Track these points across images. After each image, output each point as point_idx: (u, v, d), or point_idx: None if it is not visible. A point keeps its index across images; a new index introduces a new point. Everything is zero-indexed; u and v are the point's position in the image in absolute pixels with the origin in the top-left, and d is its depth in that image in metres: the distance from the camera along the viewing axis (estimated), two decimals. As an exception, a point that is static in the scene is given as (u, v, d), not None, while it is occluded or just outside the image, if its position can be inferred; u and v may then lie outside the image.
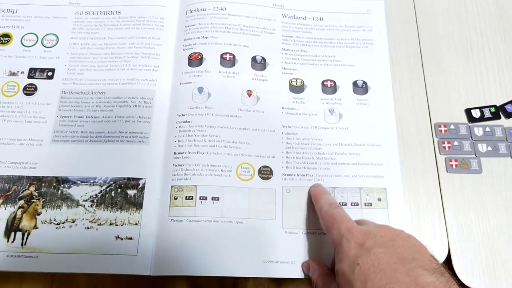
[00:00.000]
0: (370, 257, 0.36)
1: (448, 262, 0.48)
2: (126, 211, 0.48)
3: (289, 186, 0.50)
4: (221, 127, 0.51)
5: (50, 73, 0.55)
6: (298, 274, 0.47)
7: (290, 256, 0.47)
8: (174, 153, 0.50)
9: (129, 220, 0.48)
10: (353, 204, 0.49)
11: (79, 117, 0.52)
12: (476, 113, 0.53)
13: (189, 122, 0.52)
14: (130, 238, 0.47)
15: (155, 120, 0.52)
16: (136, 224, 0.48)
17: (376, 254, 0.36)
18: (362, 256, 0.36)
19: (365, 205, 0.49)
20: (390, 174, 0.51)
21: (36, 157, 0.51)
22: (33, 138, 0.51)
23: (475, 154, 0.51)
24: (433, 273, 0.34)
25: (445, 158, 0.51)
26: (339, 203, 0.49)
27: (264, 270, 0.46)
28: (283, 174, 0.50)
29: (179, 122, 0.52)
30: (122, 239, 0.47)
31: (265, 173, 0.50)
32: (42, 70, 0.55)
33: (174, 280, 1.10)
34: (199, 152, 0.50)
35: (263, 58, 0.56)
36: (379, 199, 0.49)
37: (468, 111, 0.53)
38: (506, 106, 0.53)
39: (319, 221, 0.45)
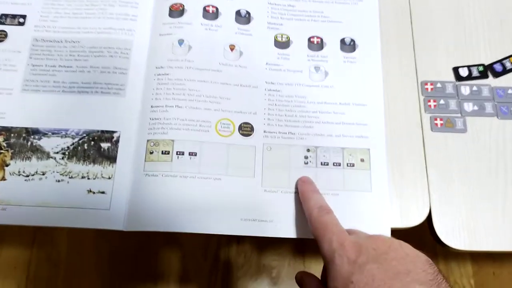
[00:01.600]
0: (363, 275, 0.34)
1: (429, 222, 0.47)
2: (99, 165, 0.46)
3: (270, 144, 0.48)
4: (201, 81, 0.49)
5: (21, 20, 0.52)
6: (276, 232, 0.45)
7: (269, 215, 0.46)
8: (151, 106, 0.48)
9: (102, 174, 0.46)
10: (335, 164, 0.48)
11: (51, 66, 0.50)
12: (463, 72, 0.51)
13: (167, 75, 0.49)
14: (103, 192, 0.45)
15: (132, 72, 0.50)
16: (109, 178, 0.46)
17: (369, 271, 0.34)
18: (355, 274, 0.34)
19: (348, 166, 0.48)
20: (374, 135, 0.49)
21: (5, 106, 0.48)
22: (2, 87, 0.49)
23: (460, 113, 0.50)
24: (430, 287, 0.33)
25: (430, 117, 0.50)
26: (321, 162, 0.48)
27: (241, 228, 0.45)
28: (264, 132, 0.48)
29: (158, 75, 0.49)
30: (94, 193, 0.45)
31: (246, 129, 0.48)
32: (13, 16, 0.52)
33: (156, 248, 1.09)
34: (177, 106, 0.48)
35: (248, 12, 0.53)
36: (362, 160, 0.48)
37: (455, 70, 0.52)
38: (494, 65, 0.51)
39: (307, 224, 0.42)
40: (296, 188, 0.46)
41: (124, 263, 1.08)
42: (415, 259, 0.35)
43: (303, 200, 0.44)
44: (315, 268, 1.08)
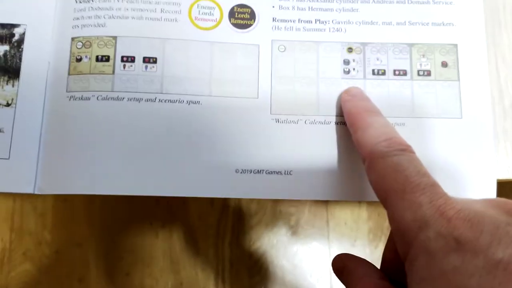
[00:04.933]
0: (497, 279, 0.17)
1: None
2: (-9, 83, 0.27)
3: (284, 41, 0.28)
4: None
5: None
6: (298, 192, 0.26)
7: (285, 163, 0.26)
8: (78, -20, 0.28)
9: (-5, 98, 0.27)
10: (397, 72, 0.28)
11: None
12: None
13: None
14: (-3, 130, 0.26)
15: None
16: (7, 104, 0.27)
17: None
18: (476, 276, 0.17)
19: (419, 75, 0.28)
20: (466, 20, 0.28)
21: None
22: None
23: None
24: None
25: None
26: (373, 71, 0.28)
27: (237, 185, 0.26)
28: (273, 20, 0.28)
29: None
30: (-18, 131, 0.26)
31: (242, 16, 0.28)
32: None
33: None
34: (122, -24, 0.28)
35: None
36: (445, 64, 0.28)
37: None
38: None
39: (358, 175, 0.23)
40: (339, 110, 0.27)
41: (118, 209, 0.93)
42: None
43: (355, 129, 0.25)
44: (340, 215, 0.92)
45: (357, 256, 0.24)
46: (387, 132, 0.23)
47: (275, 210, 0.93)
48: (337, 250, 0.88)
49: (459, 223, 0.18)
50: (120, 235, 0.93)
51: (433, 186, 0.20)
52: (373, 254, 0.85)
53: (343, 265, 0.24)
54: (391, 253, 0.23)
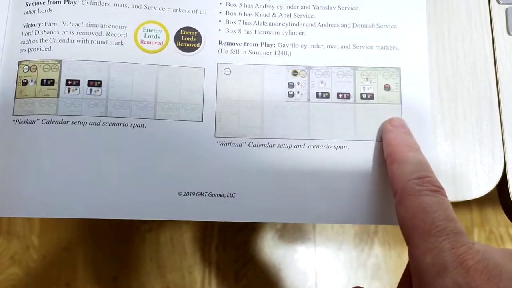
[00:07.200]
0: None
1: (500, 187, 0.28)
2: None
3: (230, 64, 0.28)
4: (110, -45, 0.29)
5: None
6: (242, 214, 0.27)
7: (228, 185, 0.27)
8: (26, 4, 0.28)
9: None
10: (341, 95, 0.28)
11: None
12: None
13: None
14: None
15: None
16: (-45, 128, 0.27)
17: None
18: None
19: (362, 98, 0.28)
20: (409, 44, 0.29)
21: None
22: None
23: None
24: None
25: (507, 10, 0.29)
26: (317, 94, 0.28)
27: (179, 208, 0.26)
28: (220, 43, 0.28)
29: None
30: None
31: (188, 39, 0.28)
32: None
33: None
34: (68, 1, 0.28)
35: None
36: (387, 88, 0.28)
37: None
38: None
39: (395, 203, 0.23)
40: (282, 133, 0.27)
41: (106, 216, 0.93)
42: None
43: (391, 160, 0.25)
44: (326, 220, 0.92)
45: None
46: (423, 170, 0.23)
47: (262, 214, 0.94)
48: (323, 253, 0.88)
49: (477, 275, 0.19)
50: (108, 240, 0.93)
51: (458, 234, 0.20)
52: (359, 258, 0.86)
53: None
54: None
